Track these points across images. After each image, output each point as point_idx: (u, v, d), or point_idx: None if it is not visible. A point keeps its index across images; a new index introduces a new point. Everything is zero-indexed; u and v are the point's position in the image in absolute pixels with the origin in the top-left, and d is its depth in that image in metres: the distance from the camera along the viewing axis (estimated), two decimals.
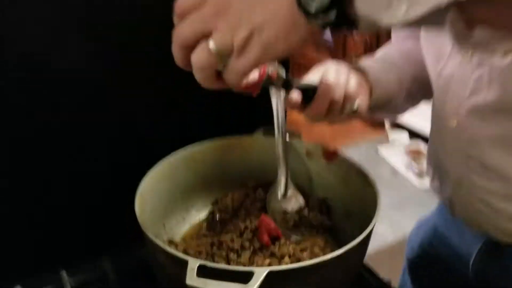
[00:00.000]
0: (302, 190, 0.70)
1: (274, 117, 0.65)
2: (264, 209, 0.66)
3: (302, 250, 0.58)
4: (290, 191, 0.68)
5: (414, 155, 2.57)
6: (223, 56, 0.36)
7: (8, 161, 0.64)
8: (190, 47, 0.37)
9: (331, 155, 0.68)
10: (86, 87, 0.65)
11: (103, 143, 0.69)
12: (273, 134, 0.67)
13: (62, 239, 0.68)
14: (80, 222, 0.70)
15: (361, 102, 0.57)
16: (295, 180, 0.69)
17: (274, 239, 0.60)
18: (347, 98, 0.55)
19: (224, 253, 0.58)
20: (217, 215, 0.67)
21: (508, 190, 0.55)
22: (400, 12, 0.30)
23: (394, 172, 2.53)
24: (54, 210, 0.68)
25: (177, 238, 0.66)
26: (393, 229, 2.12)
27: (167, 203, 0.66)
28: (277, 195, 0.68)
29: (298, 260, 0.56)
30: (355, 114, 0.57)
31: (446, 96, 0.59)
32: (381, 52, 0.71)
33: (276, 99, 0.64)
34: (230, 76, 0.37)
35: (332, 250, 0.61)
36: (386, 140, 2.83)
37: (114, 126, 0.69)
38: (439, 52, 0.59)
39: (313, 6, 0.33)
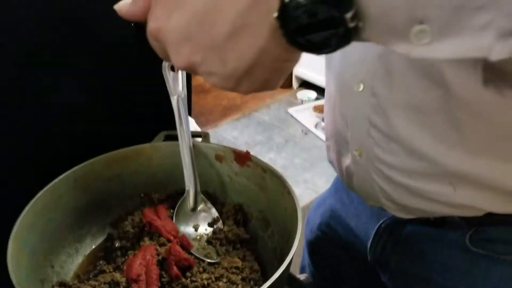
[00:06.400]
0: (214, 198, 0.63)
1: (176, 118, 0.57)
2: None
3: (217, 279, 0.51)
4: (201, 204, 0.60)
5: (322, 113, 2.61)
6: None
7: None
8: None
9: (243, 158, 0.61)
10: None
11: None
12: (176, 138, 0.58)
13: None
14: None
15: None
16: (205, 187, 0.62)
17: (186, 268, 0.52)
18: None
19: None
20: (116, 242, 0.57)
21: (412, 165, 0.50)
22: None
23: (305, 131, 2.56)
24: None
25: (70, 276, 0.56)
26: (309, 189, 2.15)
27: (53, 238, 0.55)
28: (186, 210, 0.60)
29: None
30: None
31: (351, 55, 0.51)
32: None
33: (177, 97, 0.56)
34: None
35: (252, 270, 0.55)
36: (294, 99, 2.85)
37: None
38: None
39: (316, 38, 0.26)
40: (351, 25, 0.25)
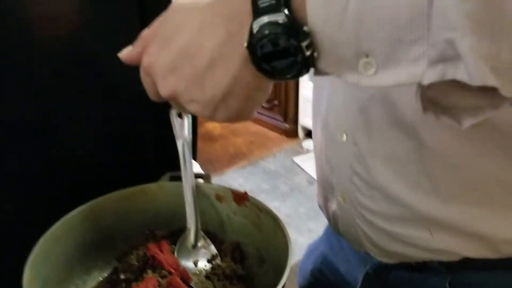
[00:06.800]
0: (213, 235, 0.67)
1: (180, 161, 0.62)
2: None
3: None
4: (201, 241, 0.64)
5: None
6: None
7: None
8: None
9: (241, 198, 0.66)
10: None
11: None
12: (180, 179, 0.63)
13: None
14: None
15: None
16: (206, 225, 0.66)
17: None
18: None
19: None
20: (121, 275, 0.61)
21: (391, 211, 0.53)
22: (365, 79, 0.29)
23: (310, 180, 2.60)
24: None
25: None
26: (313, 239, 2.16)
27: (64, 269, 0.59)
28: (187, 246, 0.64)
29: None
30: None
31: (335, 107, 0.56)
32: None
33: (182, 141, 0.61)
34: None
35: None
36: (300, 148, 2.90)
37: None
38: None
39: (278, 68, 0.31)
40: (308, 53, 0.30)
